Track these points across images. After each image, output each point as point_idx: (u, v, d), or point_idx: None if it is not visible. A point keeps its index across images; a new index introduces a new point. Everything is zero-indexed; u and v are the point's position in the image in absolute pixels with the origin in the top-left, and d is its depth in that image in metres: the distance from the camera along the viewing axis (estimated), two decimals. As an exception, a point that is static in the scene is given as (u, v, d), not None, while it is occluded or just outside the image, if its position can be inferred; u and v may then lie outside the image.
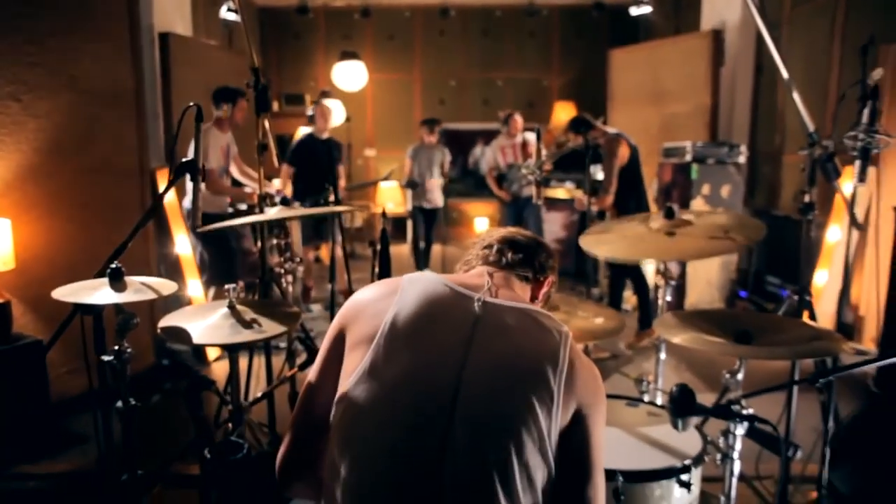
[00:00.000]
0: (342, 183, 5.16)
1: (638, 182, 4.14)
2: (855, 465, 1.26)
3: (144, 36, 3.95)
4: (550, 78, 8.42)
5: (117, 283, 1.44)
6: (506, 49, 8.36)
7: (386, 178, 6.60)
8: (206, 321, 1.53)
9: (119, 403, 1.48)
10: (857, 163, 1.55)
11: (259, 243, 2.47)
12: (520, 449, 0.99)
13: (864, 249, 4.06)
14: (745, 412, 1.40)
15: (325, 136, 4.90)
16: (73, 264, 3.05)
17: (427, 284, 1.14)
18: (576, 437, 1.05)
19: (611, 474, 1.42)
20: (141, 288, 1.46)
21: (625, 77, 6.65)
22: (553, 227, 6.00)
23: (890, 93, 3.99)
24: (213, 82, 4.33)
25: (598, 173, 4.21)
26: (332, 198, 4.97)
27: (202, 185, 4.13)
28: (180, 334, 1.44)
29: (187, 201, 4.15)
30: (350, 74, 6.83)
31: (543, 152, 2.71)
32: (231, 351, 1.60)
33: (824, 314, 4.04)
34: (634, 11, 6.32)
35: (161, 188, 4.02)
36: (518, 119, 5.46)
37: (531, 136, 5.43)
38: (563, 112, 7.85)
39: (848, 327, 4.14)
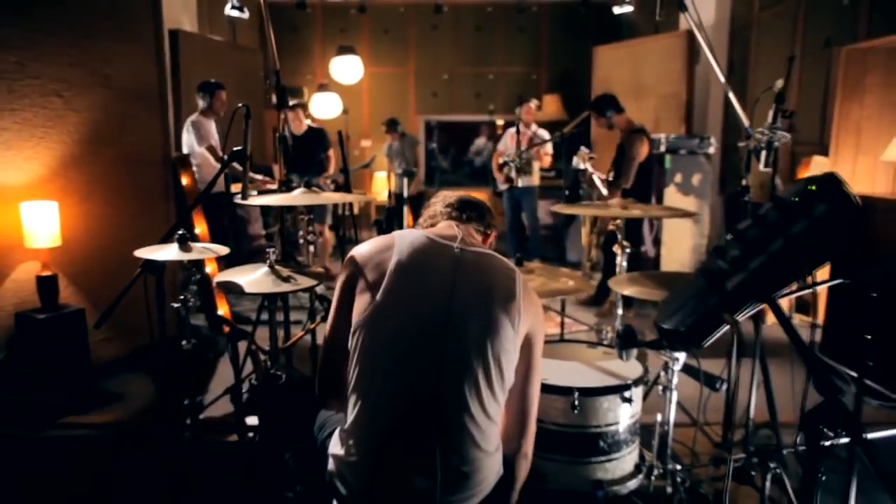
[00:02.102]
0: (331, 168, 5.58)
1: (648, 177, 4.37)
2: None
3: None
4: (539, 72, 8.76)
5: (184, 245, 1.83)
6: (496, 44, 8.69)
7: (367, 165, 7.10)
8: (252, 276, 1.91)
9: (184, 342, 1.87)
10: (763, 153, 1.96)
11: (277, 224, 2.85)
12: (497, 355, 1.37)
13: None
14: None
15: (303, 131, 5.47)
16: (109, 243, 3.44)
17: (415, 237, 1.47)
18: (526, 350, 1.46)
19: (568, 390, 1.83)
20: (203, 250, 1.85)
21: (608, 72, 7.01)
22: (539, 213, 6.39)
23: (842, 91, 4.40)
24: (220, 77, 4.71)
25: (581, 164, 4.55)
26: (327, 181, 5.39)
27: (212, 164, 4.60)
28: (234, 287, 1.83)
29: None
30: (347, 68, 7.11)
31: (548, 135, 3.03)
32: (271, 302, 1.98)
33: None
34: (617, 10, 6.68)
35: (181, 177, 4.39)
36: (530, 106, 5.45)
37: (543, 133, 5.66)
38: (551, 105, 8.22)
39: (805, 303, 4.58)
